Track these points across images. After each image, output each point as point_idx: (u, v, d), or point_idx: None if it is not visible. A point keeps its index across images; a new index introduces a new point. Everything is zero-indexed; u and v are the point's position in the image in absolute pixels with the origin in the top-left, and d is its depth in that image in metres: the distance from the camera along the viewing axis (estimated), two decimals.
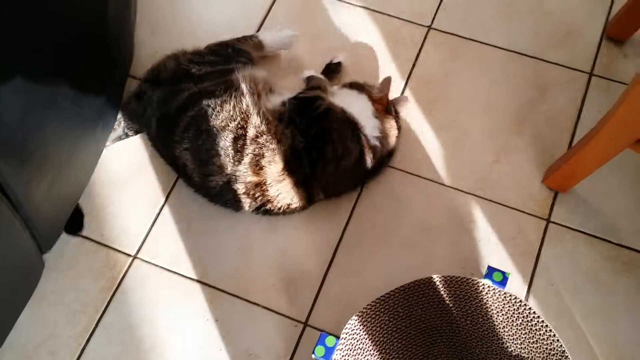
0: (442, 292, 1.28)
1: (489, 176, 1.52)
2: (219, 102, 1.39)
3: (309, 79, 1.55)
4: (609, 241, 1.44)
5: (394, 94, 1.61)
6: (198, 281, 1.43)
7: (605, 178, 1.48)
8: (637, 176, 1.50)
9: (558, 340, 1.19)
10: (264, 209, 1.41)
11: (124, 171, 1.55)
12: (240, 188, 1.38)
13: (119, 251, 1.47)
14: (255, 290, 1.42)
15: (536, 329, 1.22)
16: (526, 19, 1.71)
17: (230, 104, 1.38)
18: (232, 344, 1.37)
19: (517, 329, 1.25)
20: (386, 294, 1.27)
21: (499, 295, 1.25)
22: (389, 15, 1.73)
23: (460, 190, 1.51)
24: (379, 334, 1.27)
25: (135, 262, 1.46)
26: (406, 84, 1.64)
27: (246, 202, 1.40)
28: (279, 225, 1.47)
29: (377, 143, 1.44)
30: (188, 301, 1.41)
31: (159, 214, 1.51)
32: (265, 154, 1.36)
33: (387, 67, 1.66)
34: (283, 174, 1.37)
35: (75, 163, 1.36)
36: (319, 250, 1.44)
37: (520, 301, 1.24)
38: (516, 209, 1.48)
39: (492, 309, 1.26)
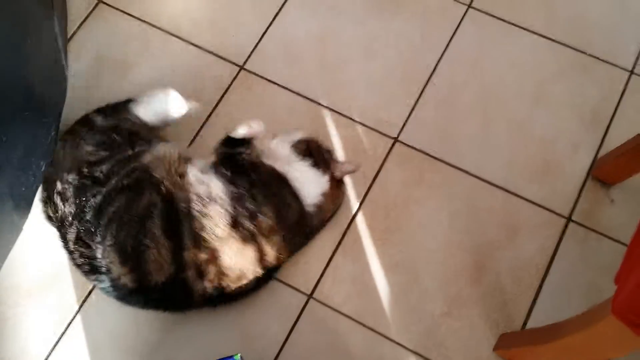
0: None
1: (436, 331, 1.35)
2: (135, 193, 1.26)
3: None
4: None
5: (345, 210, 1.45)
6: None
7: None
8: None
9: None
10: (220, 289, 1.26)
11: (34, 278, 1.39)
12: (191, 274, 1.22)
13: None
14: None
15: None
16: (504, 144, 1.51)
17: (147, 193, 1.26)
18: None
19: None
20: None
21: None
22: (352, 119, 1.54)
23: (402, 346, 1.34)
24: None
25: None
26: (360, 206, 1.46)
27: (200, 286, 1.24)
28: None
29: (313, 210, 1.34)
30: None
31: (64, 332, 1.35)
32: (205, 222, 1.23)
33: None
34: (230, 233, 1.24)
35: None
36: None
37: None
38: None
39: None
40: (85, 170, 1.29)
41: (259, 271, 1.29)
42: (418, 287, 1.39)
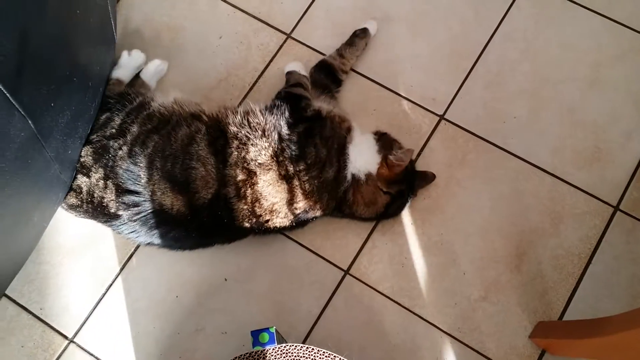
0: None
1: (471, 315, 1.34)
2: (172, 129, 1.30)
3: (289, 74, 1.46)
4: None
5: None
6: None
7: None
8: None
9: None
10: (254, 212, 1.28)
11: (77, 238, 1.42)
12: (231, 191, 1.27)
13: (56, 331, 1.36)
14: None
15: None
16: (553, 128, 1.47)
17: (185, 125, 1.31)
18: None
19: None
20: None
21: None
22: (398, 94, 1.51)
23: (436, 327, 1.33)
24: None
25: (71, 348, 1.35)
26: None
27: (239, 207, 1.28)
28: (227, 337, 1.33)
29: (348, 185, 1.33)
30: None
31: (105, 294, 1.38)
32: (250, 148, 1.28)
33: None
34: (271, 164, 1.28)
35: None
36: None
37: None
38: None
39: None
40: (95, 136, 1.33)
41: (289, 215, 1.30)
42: (455, 270, 1.37)
